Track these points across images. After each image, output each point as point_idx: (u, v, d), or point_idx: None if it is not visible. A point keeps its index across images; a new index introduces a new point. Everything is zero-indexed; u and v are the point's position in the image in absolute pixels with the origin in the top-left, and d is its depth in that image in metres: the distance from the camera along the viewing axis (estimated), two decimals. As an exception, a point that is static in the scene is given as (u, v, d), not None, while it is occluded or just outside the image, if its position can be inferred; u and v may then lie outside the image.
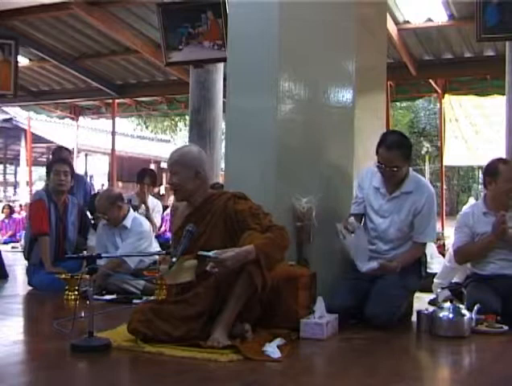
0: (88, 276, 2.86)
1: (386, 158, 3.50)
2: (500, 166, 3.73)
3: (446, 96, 9.85)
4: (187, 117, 8.83)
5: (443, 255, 5.65)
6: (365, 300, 3.40)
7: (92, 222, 5.37)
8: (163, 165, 19.88)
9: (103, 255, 3.32)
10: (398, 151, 3.49)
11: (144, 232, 4.73)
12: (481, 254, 3.73)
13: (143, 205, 5.98)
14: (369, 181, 3.67)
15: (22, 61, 9.67)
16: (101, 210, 4.72)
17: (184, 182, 3.05)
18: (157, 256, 4.57)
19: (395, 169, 3.50)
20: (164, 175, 17.39)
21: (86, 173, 20.77)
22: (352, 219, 3.48)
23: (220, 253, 2.75)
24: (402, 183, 3.59)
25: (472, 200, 11.22)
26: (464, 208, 4.41)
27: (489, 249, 3.70)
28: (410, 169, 3.66)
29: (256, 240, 2.80)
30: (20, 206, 14.00)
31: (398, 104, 19.02)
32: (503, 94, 6.52)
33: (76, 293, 4.10)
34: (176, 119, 22.42)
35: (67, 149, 6.86)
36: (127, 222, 4.72)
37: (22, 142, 19.04)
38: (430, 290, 4.44)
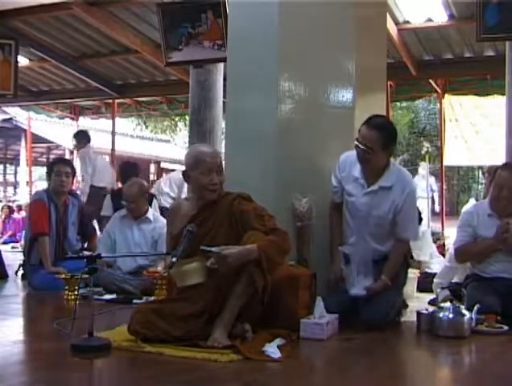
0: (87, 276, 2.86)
1: (363, 135, 3.35)
2: (498, 171, 3.73)
3: (446, 96, 9.83)
4: (187, 117, 8.82)
5: (443, 255, 5.65)
6: (360, 301, 3.39)
7: None
8: (163, 165, 19.84)
9: (103, 255, 3.31)
10: (377, 132, 3.32)
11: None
12: (481, 256, 3.73)
13: None
14: (348, 169, 3.51)
15: (22, 61, 9.65)
16: (131, 198, 4.72)
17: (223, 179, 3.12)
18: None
19: (368, 150, 3.32)
20: (165, 175, 17.28)
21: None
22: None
23: (223, 249, 2.76)
24: (382, 176, 3.42)
25: (472, 201, 11.20)
26: (467, 207, 4.41)
27: (490, 252, 3.69)
28: (395, 162, 3.55)
29: (259, 241, 2.81)
30: (19, 206, 13.97)
31: (398, 104, 18.97)
32: (503, 94, 6.51)
33: (76, 293, 4.09)
34: (176, 119, 22.38)
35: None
36: (149, 215, 4.80)
37: (22, 142, 18.98)
38: (430, 290, 4.44)
